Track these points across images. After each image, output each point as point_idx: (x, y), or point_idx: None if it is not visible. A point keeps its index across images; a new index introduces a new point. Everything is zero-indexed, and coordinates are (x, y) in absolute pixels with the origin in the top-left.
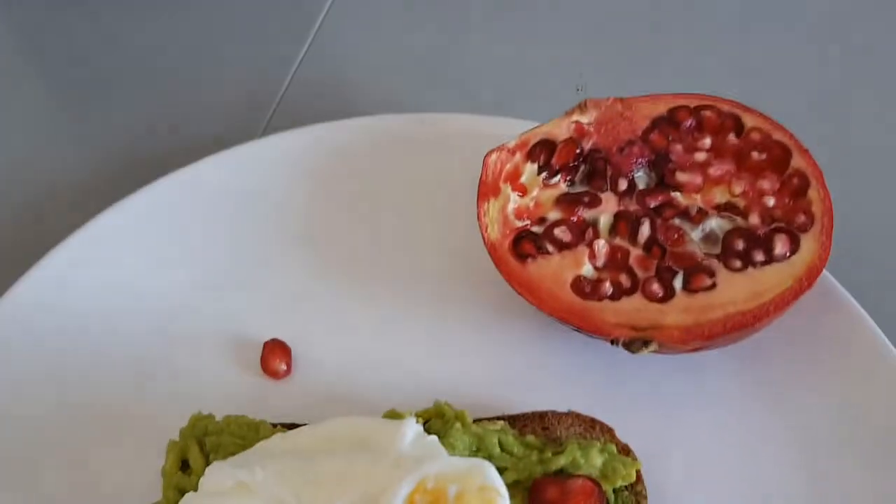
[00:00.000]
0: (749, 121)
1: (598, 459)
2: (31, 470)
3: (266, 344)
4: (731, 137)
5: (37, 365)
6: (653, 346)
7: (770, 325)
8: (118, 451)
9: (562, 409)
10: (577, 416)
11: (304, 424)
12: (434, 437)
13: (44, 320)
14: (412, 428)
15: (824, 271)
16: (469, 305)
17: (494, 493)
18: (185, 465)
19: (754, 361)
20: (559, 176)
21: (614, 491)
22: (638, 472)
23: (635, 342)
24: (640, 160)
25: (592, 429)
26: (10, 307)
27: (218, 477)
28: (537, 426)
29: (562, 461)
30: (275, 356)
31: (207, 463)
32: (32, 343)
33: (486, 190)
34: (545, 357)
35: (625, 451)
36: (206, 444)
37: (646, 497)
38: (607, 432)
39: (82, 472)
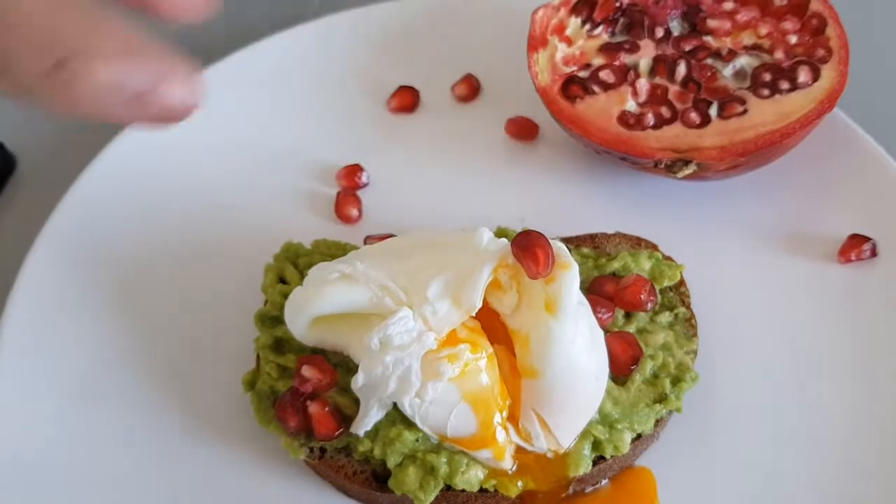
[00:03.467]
0: None
1: (646, 263)
2: (140, 300)
3: (338, 194)
4: None
5: (142, 209)
6: (692, 167)
7: (792, 154)
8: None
9: (609, 231)
10: (624, 235)
11: None
12: (504, 239)
13: (147, 170)
14: (487, 233)
15: (837, 110)
16: (524, 148)
17: (567, 261)
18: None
19: (777, 190)
20: (601, 27)
21: (660, 291)
22: (681, 274)
23: (677, 163)
24: (673, 11)
25: (638, 245)
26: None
27: (322, 271)
28: (588, 245)
29: (615, 265)
30: (348, 203)
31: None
32: (135, 192)
33: (535, 42)
34: (593, 187)
35: (668, 260)
36: (299, 264)
37: (689, 297)
38: (652, 247)
39: (185, 305)
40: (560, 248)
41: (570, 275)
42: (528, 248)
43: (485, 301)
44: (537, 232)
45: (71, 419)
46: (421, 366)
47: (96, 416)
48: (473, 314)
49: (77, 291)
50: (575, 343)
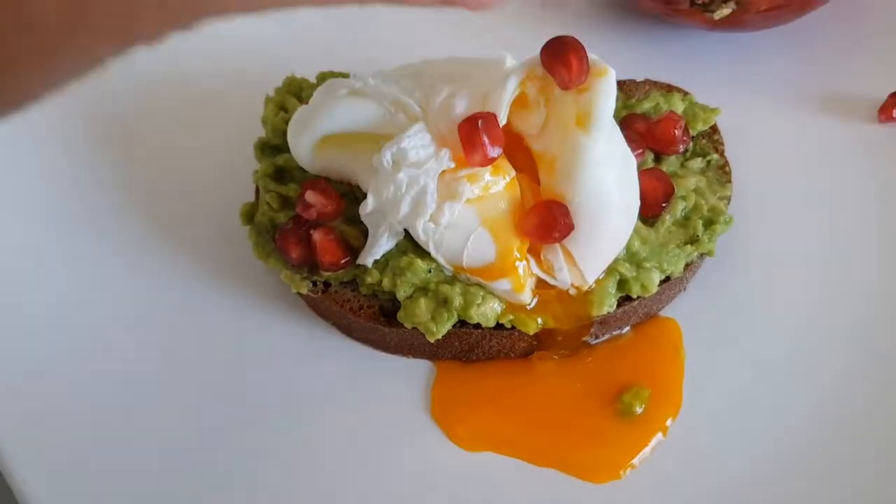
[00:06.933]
0: None
1: (679, 105)
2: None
3: None
4: None
5: None
6: (731, 5)
7: (830, 8)
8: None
9: (638, 79)
10: (654, 82)
11: None
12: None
13: None
14: (511, 58)
15: None
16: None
17: (603, 67)
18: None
19: (813, 46)
20: None
21: (693, 139)
22: (716, 120)
23: (715, 0)
24: None
25: (669, 91)
26: None
27: (329, 87)
28: (619, 92)
29: (646, 105)
30: None
31: None
32: None
33: None
34: (619, 40)
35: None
36: (302, 97)
37: (723, 144)
38: (683, 93)
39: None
40: (595, 57)
41: (606, 81)
42: (560, 53)
43: (507, 123)
44: (571, 37)
45: (53, 248)
46: (437, 186)
47: (81, 247)
48: None
49: (62, 123)
50: (606, 164)
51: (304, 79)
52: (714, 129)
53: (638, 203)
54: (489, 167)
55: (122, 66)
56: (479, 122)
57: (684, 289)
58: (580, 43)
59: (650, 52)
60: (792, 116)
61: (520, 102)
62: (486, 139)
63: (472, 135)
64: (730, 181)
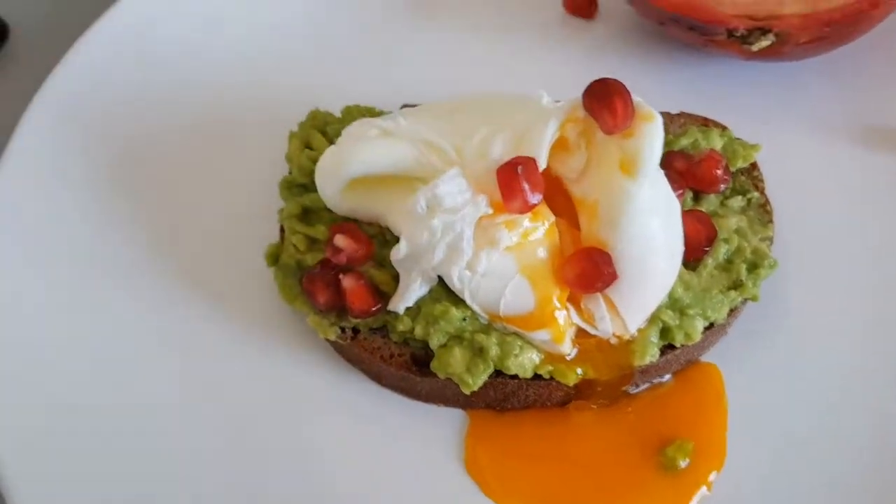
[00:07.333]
0: None
1: (718, 142)
2: (147, 170)
3: None
4: None
5: (147, 77)
6: (770, 37)
7: (868, 39)
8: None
9: (673, 111)
10: (689, 115)
11: None
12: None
13: (152, 35)
14: (545, 95)
15: None
16: (582, 25)
17: (650, 112)
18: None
19: (850, 77)
20: None
21: (731, 175)
22: (755, 156)
23: (754, 32)
24: None
25: (705, 125)
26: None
27: (359, 128)
28: None
29: (683, 141)
30: None
31: None
32: (140, 58)
33: None
34: (654, 68)
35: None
36: (327, 133)
37: (763, 181)
38: (721, 127)
39: (197, 176)
40: (640, 100)
41: (653, 127)
42: (604, 97)
43: (546, 167)
44: (615, 79)
45: (77, 288)
46: (474, 232)
47: (103, 287)
48: None
49: (80, 160)
50: (651, 210)
51: (329, 113)
52: (754, 165)
53: (682, 249)
54: (528, 213)
55: (128, 91)
56: (519, 167)
57: (725, 333)
58: (624, 86)
59: (685, 82)
60: (832, 149)
61: (559, 145)
62: (525, 185)
63: (511, 181)
64: (771, 221)
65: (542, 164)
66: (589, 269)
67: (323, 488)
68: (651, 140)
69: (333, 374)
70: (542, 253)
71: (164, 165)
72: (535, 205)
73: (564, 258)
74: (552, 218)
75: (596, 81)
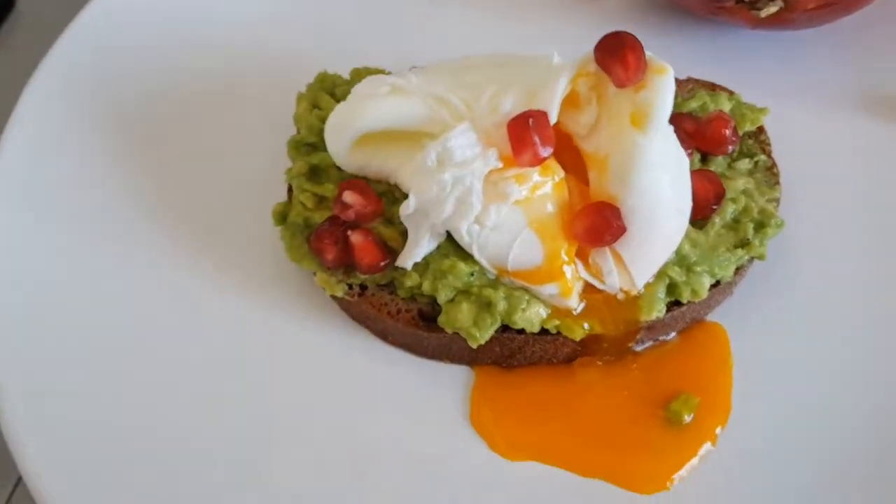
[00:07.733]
0: None
1: (726, 105)
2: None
3: None
4: None
5: (153, 43)
6: (778, 3)
7: (874, 8)
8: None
9: (681, 76)
10: (697, 80)
11: None
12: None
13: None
14: (557, 56)
15: None
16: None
17: (662, 65)
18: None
19: (856, 47)
20: None
21: (739, 137)
22: (763, 120)
23: None
24: None
25: (713, 90)
26: None
27: (369, 84)
28: None
29: (692, 104)
30: None
31: None
32: (145, 25)
33: None
34: (663, 39)
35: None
36: (336, 94)
37: (770, 144)
38: (729, 93)
39: (202, 140)
40: (652, 54)
41: (665, 80)
42: (616, 50)
43: (557, 122)
44: (628, 32)
45: (85, 250)
46: (483, 187)
47: (109, 253)
48: None
49: (86, 126)
50: (662, 165)
51: (338, 75)
52: (760, 129)
53: (690, 205)
54: (538, 167)
55: (135, 59)
56: (530, 120)
57: (731, 293)
58: (637, 39)
59: (693, 50)
60: (838, 116)
61: (570, 100)
62: (536, 138)
63: (522, 134)
64: (778, 183)
65: (553, 118)
66: (598, 223)
67: (329, 444)
68: (663, 92)
69: (340, 333)
70: (550, 207)
71: (170, 129)
72: (545, 158)
73: (573, 213)
74: (562, 173)
75: (609, 35)
